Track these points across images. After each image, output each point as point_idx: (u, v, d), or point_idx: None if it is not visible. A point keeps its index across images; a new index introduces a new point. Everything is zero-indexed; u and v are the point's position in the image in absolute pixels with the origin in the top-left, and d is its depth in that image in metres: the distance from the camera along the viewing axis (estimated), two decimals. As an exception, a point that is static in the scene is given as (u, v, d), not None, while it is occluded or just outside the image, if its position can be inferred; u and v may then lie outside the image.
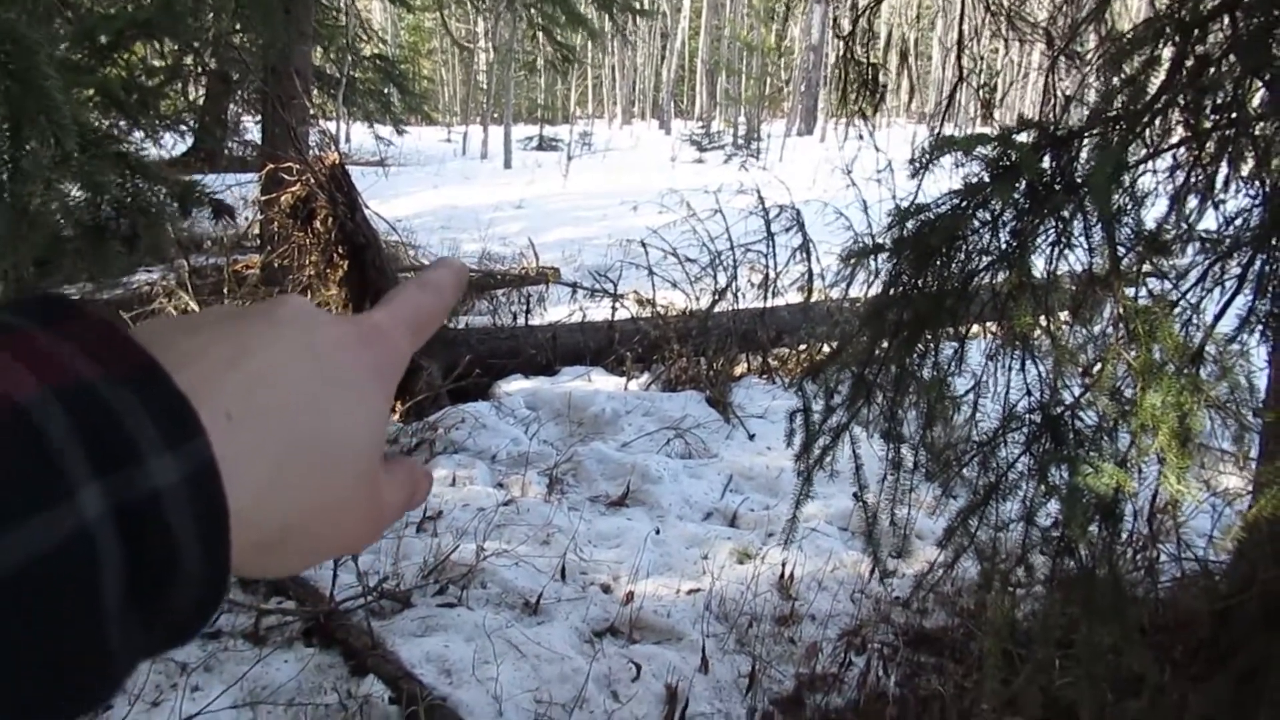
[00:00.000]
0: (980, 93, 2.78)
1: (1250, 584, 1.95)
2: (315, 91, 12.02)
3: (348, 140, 20.59)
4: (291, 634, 3.18)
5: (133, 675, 0.27)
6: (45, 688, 0.24)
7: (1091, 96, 2.57)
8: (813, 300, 6.37)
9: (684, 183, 8.89)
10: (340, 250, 5.41)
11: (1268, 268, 2.03)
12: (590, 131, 28.46)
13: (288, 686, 2.89)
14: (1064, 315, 2.01)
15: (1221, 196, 1.99)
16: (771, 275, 6.45)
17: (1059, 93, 2.88)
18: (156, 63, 8.15)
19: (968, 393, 2.07)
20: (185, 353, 0.31)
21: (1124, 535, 1.96)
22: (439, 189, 16.07)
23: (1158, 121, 1.80)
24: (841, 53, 2.85)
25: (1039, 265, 2.04)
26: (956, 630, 3.33)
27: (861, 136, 3.03)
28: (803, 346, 6.42)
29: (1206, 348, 1.91)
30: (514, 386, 5.78)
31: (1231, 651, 1.98)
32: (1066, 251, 1.89)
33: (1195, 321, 1.92)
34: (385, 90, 17.00)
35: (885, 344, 2.07)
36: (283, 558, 0.34)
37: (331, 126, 13.39)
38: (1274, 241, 1.97)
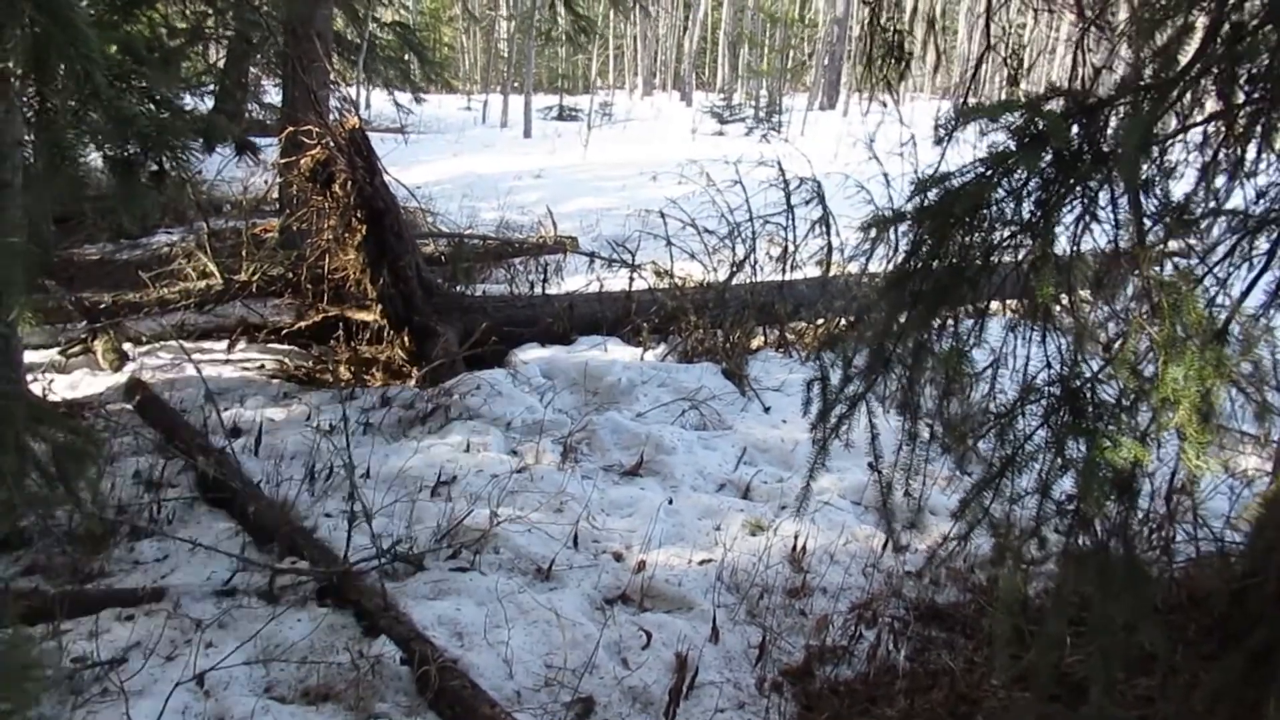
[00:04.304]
0: (1007, 63, 2.73)
1: (1268, 563, 1.93)
2: (335, 57, 11.97)
3: (367, 107, 20.53)
4: (305, 594, 3.21)
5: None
6: None
7: (1121, 69, 2.53)
8: (831, 274, 6.32)
9: (704, 154, 8.83)
10: (359, 215, 5.40)
11: (1297, 245, 1.99)
12: (611, 102, 28.25)
13: (300, 645, 2.91)
14: (1086, 290, 1.98)
15: (1251, 170, 1.95)
16: (790, 248, 6.40)
17: (1088, 64, 2.83)
18: (179, 24, 8.13)
19: (987, 367, 2.05)
20: None
21: (1140, 512, 1.94)
22: (459, 157, 16.02)
23: (1189, 93, 1.76)
24: (867, 19, 2.80)
25: (1062, 238, 2.01)
26: (968, 606, 3.32)
27: (886, 105, 2.98)
28: (820, 321, 6.39)
29: (1231, 324, 1.88)
30: (530, 355, 5.77)
31: (1246, 631, 1.96)
32: (1091, 225, 1.86)
33: (1221, 298, 1.89)
34: (405, 57, 16.92)
35: (904, 315, 2.05)
36: None
37: (351, 93, 13.34)
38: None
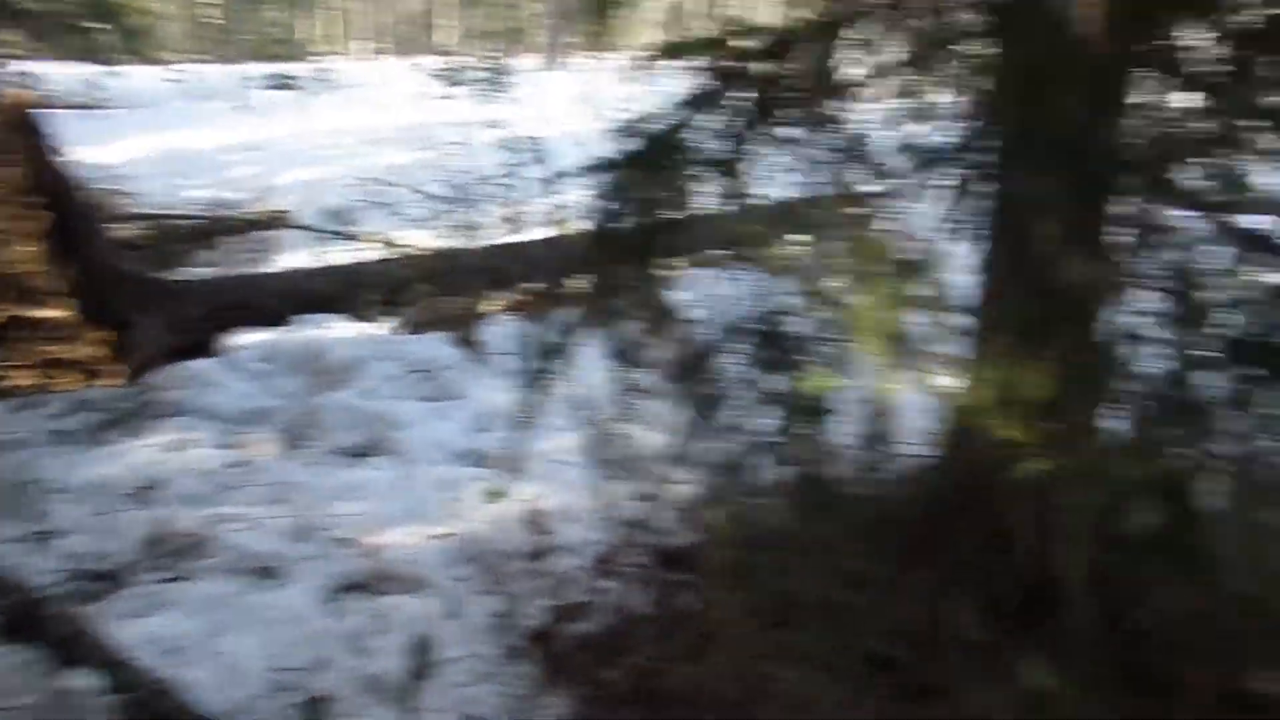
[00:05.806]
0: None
1: (953, 469, 2.05)
2: (5, 27, 10.61)
3: (51, 82, 18.44)
4: (-15, 632, 2.81)
5: None
6: None
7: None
8: (560, 233, 6.30)
9: (432, 119, 8.52)
10: (38, 202, 4.80)
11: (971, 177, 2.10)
12: (332, 68, 26.92)
13: (-19, 691, 2.55)
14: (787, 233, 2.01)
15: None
16: (520, 210, 6.32)
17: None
18: None
19: (690, 309, 2.05)
20: None
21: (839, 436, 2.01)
22: (163, 132, 14.69)
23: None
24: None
25: (764, 179, 2.02)
26: (704, 545, 3.38)
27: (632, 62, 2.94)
28: (545, 283, 6.36)
29: (916, 253, 1.96)
30: (246, 339, 5.36)
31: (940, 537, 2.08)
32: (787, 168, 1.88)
33: (905, 229, 1.97)
34: (94, 24, 15.31)
35: (613, 267, 2.01)
36: None
37: (26, 67, 11.90)
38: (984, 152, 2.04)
